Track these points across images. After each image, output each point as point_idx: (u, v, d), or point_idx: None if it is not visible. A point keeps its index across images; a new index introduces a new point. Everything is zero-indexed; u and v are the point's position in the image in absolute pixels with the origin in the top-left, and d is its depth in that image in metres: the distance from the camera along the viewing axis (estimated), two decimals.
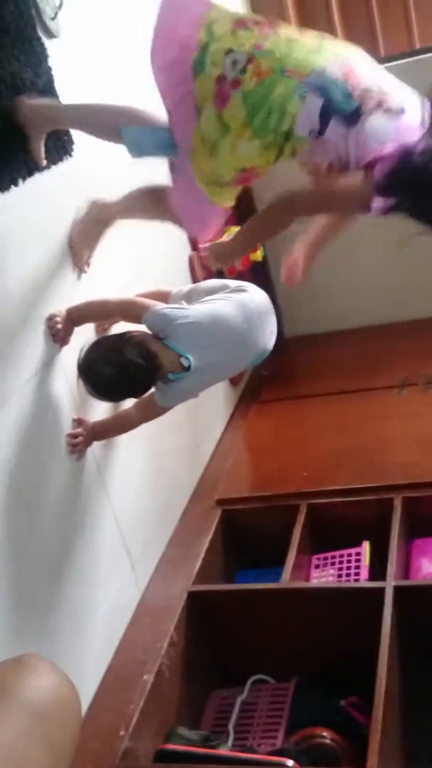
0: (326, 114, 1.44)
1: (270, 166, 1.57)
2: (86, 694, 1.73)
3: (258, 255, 2.82)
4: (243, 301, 1.91)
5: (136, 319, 1.85)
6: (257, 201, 3.06)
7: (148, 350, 1.75)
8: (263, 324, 1.94)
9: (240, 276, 2.89)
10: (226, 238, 2.78)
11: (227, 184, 1.62)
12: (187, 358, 1.76)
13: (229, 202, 1.71)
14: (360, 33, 3.41)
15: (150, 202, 1.87)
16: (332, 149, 1.46)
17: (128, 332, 1.82)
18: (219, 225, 1.82)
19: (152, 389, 1.84)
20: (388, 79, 1.52)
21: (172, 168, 1.71)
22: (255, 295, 1.96)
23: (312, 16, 3.59)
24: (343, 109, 1.43)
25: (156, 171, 1.81)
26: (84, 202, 1.92)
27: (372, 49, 3.42)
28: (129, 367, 1.74)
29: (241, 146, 1.53)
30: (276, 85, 1.46)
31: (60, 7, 1.90)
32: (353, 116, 1.43)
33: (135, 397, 1.86)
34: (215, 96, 1.51)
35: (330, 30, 3.54)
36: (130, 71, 2.35)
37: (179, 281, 2.53)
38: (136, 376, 1.76)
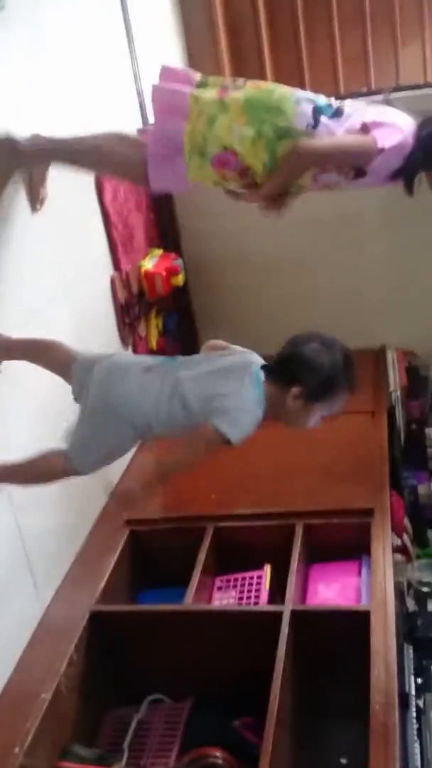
0: (316, 114, 1.73)
1: (254, 161, 1.74)
2: None
3: (179, 280, 2.86)
4: None
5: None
6: (182, 228, 3.13)
7: None
8: None
9: (161, 300, 2.94)
10: (148, 260, 2.80)
11: (207, 158, 1.76)
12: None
13: (196, 178, 1.81)
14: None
15: (118, 140, 1.90)
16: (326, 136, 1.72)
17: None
18: (178, 189, 1.90)
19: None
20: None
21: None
22: None
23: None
24: (327, 112, 1.75)
25: None
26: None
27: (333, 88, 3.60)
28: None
29: (236, 129, 1.73)
30: (275, 91, 1.76)
31: None
32: (337, 113, 1.76)
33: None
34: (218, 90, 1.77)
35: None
36: (78, 40, 2.35)
37: (101, 302, 2.55)
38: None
